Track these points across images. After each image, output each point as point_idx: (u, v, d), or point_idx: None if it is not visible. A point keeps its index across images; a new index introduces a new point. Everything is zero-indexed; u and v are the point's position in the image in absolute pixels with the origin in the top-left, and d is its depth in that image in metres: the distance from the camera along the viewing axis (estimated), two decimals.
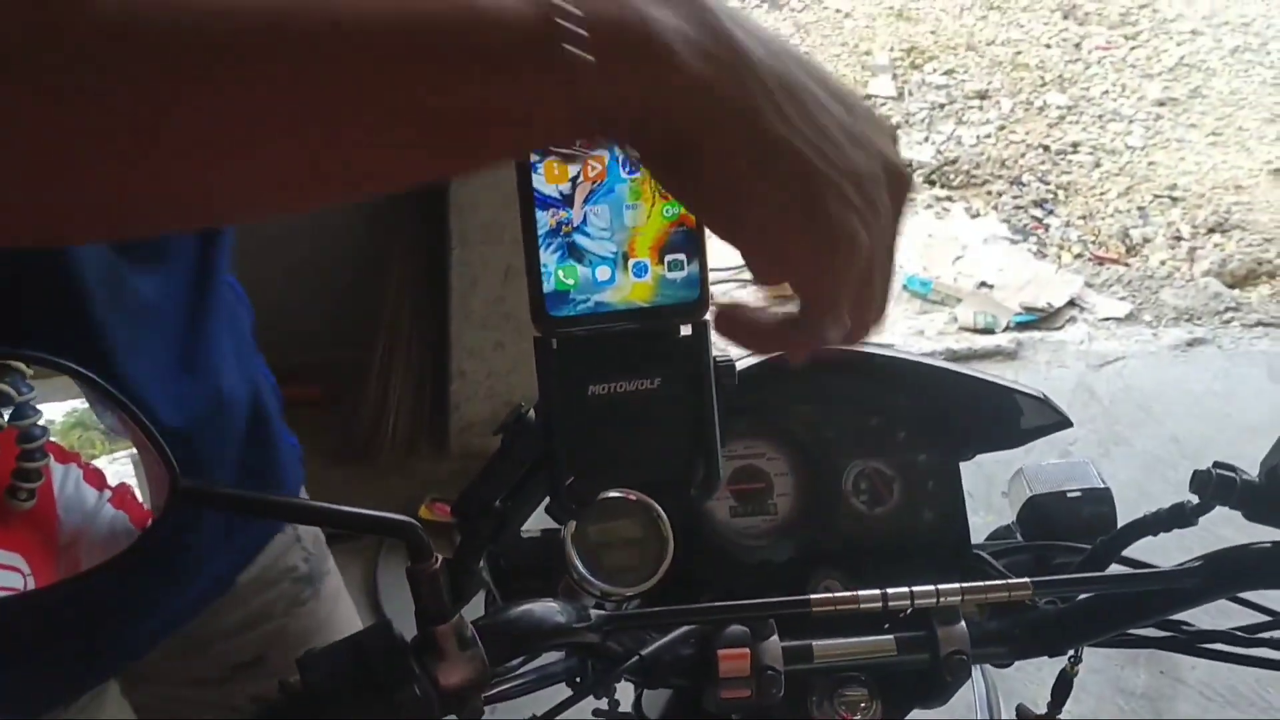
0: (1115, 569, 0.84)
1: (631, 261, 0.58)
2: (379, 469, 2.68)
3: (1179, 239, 4.31)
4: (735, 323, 0.55)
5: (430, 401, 2.71)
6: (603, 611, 0.73)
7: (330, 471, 2.59)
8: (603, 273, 0.58)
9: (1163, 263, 4.17)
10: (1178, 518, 0.80)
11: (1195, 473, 0.78)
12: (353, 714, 0.62)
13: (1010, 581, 0.75)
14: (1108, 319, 3.85)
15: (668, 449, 0.63)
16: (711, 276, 0.59)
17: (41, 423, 0.55)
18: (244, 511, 0.59)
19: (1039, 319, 3.78)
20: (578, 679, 0.81)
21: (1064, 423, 0.91)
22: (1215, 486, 0.77)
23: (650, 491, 0.86)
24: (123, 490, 0.59)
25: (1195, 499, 0.80)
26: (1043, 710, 0.94)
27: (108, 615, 0.84)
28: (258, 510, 0.60)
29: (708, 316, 0.60)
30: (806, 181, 0.47)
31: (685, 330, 0.61)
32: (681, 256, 0.58)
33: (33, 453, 0.55)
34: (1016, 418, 0.94)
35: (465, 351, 2.63)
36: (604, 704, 0.84)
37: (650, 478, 0.64)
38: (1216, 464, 0.78)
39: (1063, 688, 0.91)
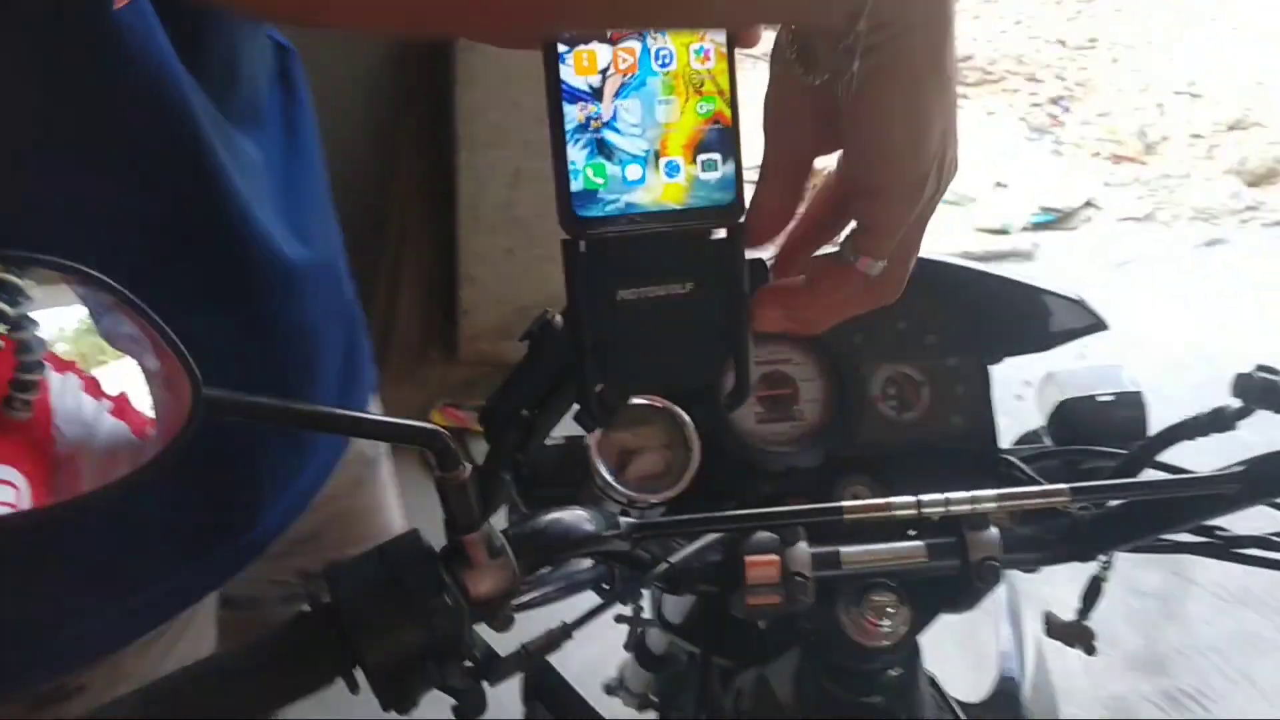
0: (1150, 474, 0.83)
1: (663, 160, 0.55)
2: (389, 376, 2.66)
3: (1197, 136, 4.24)
4: (788, 296, 0.61)
5: (440, 308, 2.69)
6: (632, 519, 0.72)
7: None
8: (633, 172, 0.55)
9: (1181, 161, 4.11)
10: (1217, 422, 0.78)
11: (1237, 376, 0.76)
12: (384, 625, 0.61)
13: (1046, 488, 0.74)
14: (1126, 218, 3.80)
15: (699, 356, 0.62)
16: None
17: (41, 333, 0.53)
18: (267, 420, 0.57)
19: (1056, 219, 3.73)
20: (605, 586, 0.81)
21: (1099, 325, 0.89)
22: (1260, 390, 0.75)
23: (677, 398, 0.85)
24: (122, 400, 0.57)
25: (1236, 403, 0.78)
26: (1071, 616, 0.93)
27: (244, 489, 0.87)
28: (282, 419, 0.58)
29: (742, 220, 0.58)
30: (952, 106, 0.54)
31: (718, 233, 0.59)
32: (716, 156, 0.56)
33: (30, 364, 0.53)
34: (1049, 319, 0.92)
35: (474, 257, 2.60)
36: (628, 609, 0.84)
37: (681, 385, 0.63)
38: (1260, 367, 0.76)
39: (1093, 593, 0.91)
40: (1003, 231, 3.63)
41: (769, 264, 0.66)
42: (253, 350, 0.81)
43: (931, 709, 0.93)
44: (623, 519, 0.72)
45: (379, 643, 0.61)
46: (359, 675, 0.62)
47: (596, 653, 1.65)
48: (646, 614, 1.15)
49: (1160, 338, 3.17)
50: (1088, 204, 3.79)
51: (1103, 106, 4.40)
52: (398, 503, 1.15)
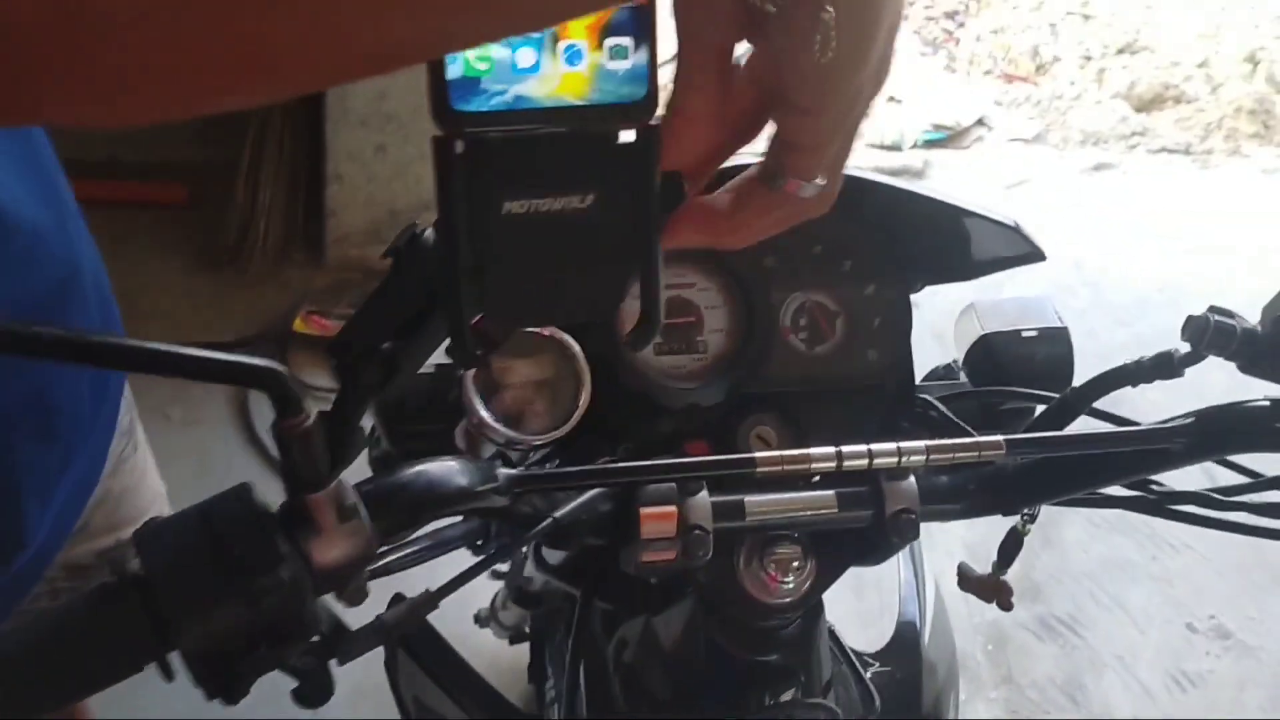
0: (1084, 422, 0.76)
1: (562, 44, 0.44)
2: (249, 278, 2.49)
3: (1088, 59, 4.23)
4: (709, 218, 0.53)
5: (304, 207, 2.52)
6: (510, 471, 0.62)
7: (195, 279, 2.41)
8: (525, 56, 0.44)
9: (1071, 83, 4.09)
10: (1163, 367, 0.71)
11: (1189, 318, 0.69)
12: (205, 601, 0.50)
13: (979, 439, 0.66)
14: (1015, 139, 3.78)
15: (599, 284, 0.52)
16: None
17: None
18: (66, 358, 0.45)
19: (947, 137, 3.69)
20: (479, 542, 0.71)
21: (1035, 255, 0.81)
22: (1212, 334, 0.67)
23: (567, 326, 0.74)
24: None
25: (1184, 347, 0.70)
26: (986, 570, 0.87)
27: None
28: (84, 355, 0.46)
29: (655, 121, 0.48)
30: (894, 36, 0.47)
31: (626, 136, 0.48)
32: (627, 41, 0.45)
33: None
34: (980, 246, 0.84)
35: (343, 154, 2.42)
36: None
37: (576, 318, 0.52)
38: (1213, 308, 0.69)
39: (1011, 547, 0.84)
40: (894, 148, 3.57)
41: None
42: None
43: (830, 664, 0.86)
44: (501, 470, 0.61)
45: (198, 622, 0.50)
46: (175, 660, 0.51)
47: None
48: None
49: (1047, 263, 3.16)
50: (979, 123, 3.75)
51: (997, 23, 4.35)
52: (156, 471, 1.02)
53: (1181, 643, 2.23)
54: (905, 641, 1.03)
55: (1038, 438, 0.67)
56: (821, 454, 0.64)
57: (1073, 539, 2.39)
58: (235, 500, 0.53)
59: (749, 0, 0.46)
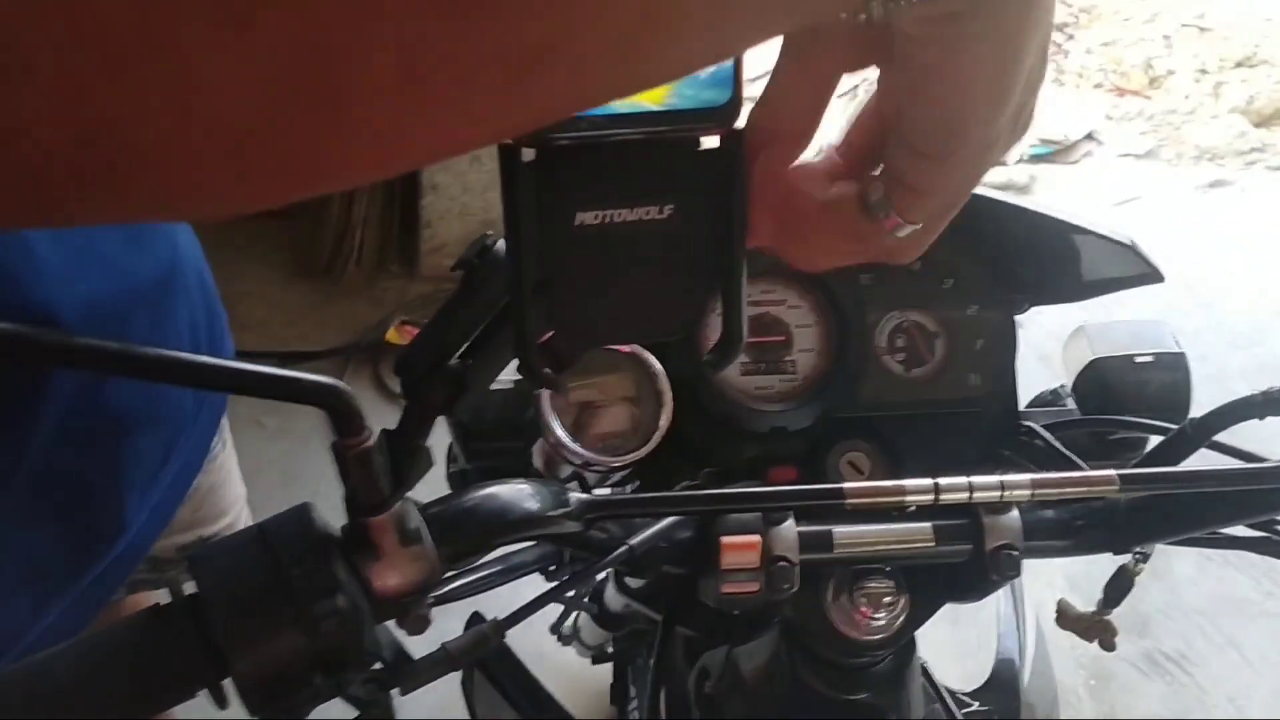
0: (1203, 456, 0.70)
1: None
2: (343, 288, 2.51)
3: (1204, 72, 4.08)
4: (789, 220, 0.49)
5: (399, 217, 2.53)
6: (584, 495, 0.58)
7: (290, 289, 2.44)
8: None
9: (1186, 97, 3.95)
10: None
11: None
12: (261, 627, 0.48)
13: (1090, 474, 0.61)
14: (1126, 154, 3.66)
15: (677, 300, 0.49)
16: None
17: None
18: (122, 372, 0.43)
19: (1054, 151, 3.58)
20: (552, 568, 0.68)
21: (1153, 276, 0.76)
22: None
23: (647, 344, 0.71)
24: None
25: None
26: (1090, 608, 0.81)
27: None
28: (141, 370, 0.44)
29: (740, 125, 0.44)
30: (1044, 48, 0.41)
31: (708, 142, 0.45)
32: None
33: None
34: (1092, 266, 0.78)
35: (438, 164, 2.43)
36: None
37: (652, 337, 0.49)
38: None
39: (1121, 585, 0.79)
40: (999, 163, 3.48)
41: None
42: None
43: (922, 704, 0.81)
44: (574, 495, 0.58)
45: (251, 649, 0.48)
46: (228, 687, 0.49)
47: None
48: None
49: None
50: (1089, 137, 3.64)
51: (1108, 35, 4.22)
52: (239, 472, 1.02)
53: None
54: (1003, 680, 0.98)
55: (1155, 473, 0.62)
56: (917, 486, 0.60)
57: (1183, 572, 2.28)
58: (294, 522, 0.50)
59: (873, 27, 0.42)
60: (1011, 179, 3.39)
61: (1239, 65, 4.13)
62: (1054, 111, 3.73)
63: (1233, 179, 3.57)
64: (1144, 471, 0.61)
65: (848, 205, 0.48)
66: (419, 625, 0.53)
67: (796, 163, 0.48)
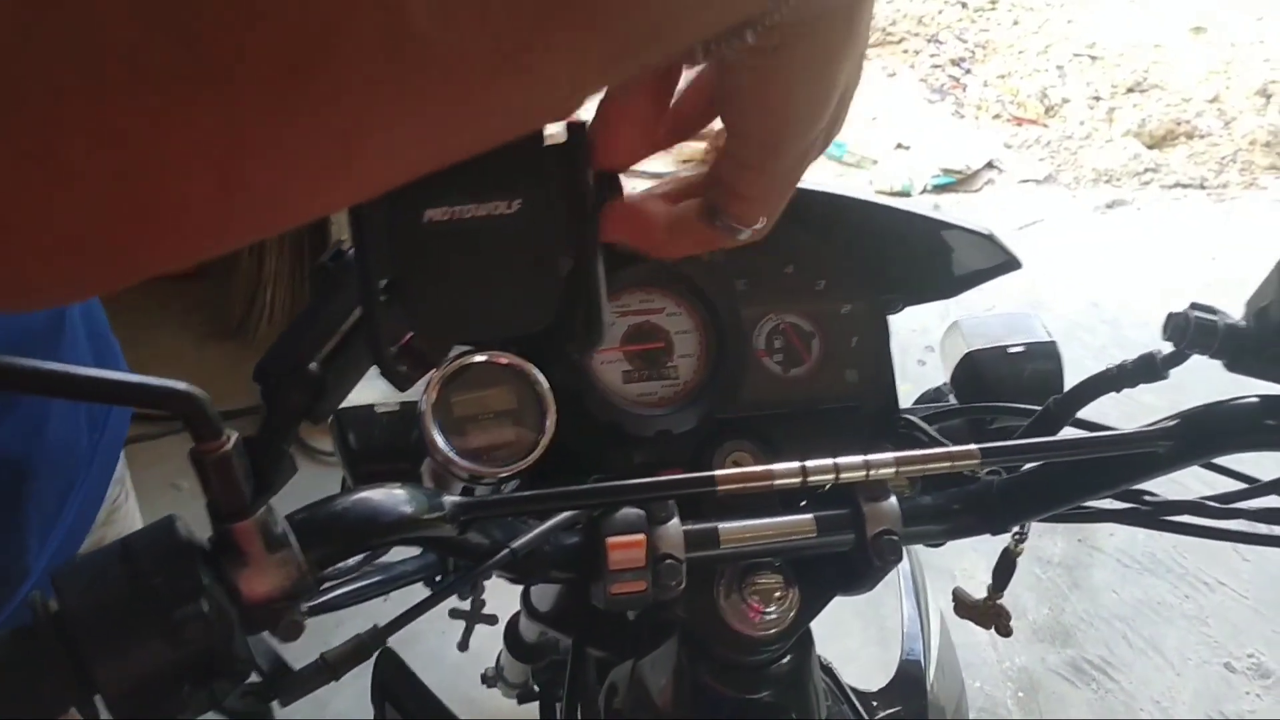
0: (1070, 432, 0.72)
1: None
2: (257, 346, 2.48)
3: (1098, 99, 4.21)
4: (644, 226, 0.50)
5: (311, 273, 2.52)
6: (457, 498, 0.59)
7: (204, 351, 2.41)
8: None
9: (1081, 123, 4.08)
10: (1146, 370, 0.68)
11: (1170, 316, 0.66)
12: (122, 638, 0.47)
13: (952, 449, 0.63)
14: (1026, 180, 3.76)
15: (533, 294, 0.49)
16: None
17: None
18: None
19: (957, 181, 3.67)
20: (437, 577, 0.68)
21: (1011, 263, 0.78)
22: (1195, 331, 0.64)
23: (526, 352, 0.72)
24: None
25: (1167, 347, 0.67)
26: (982, 594, 0.83)
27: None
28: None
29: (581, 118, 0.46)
30: (858, 67, 0.44)
31: (553, 137, 0.46)
32: None
33: None
34: (957, 259, 0.81)
35: (345, 219, 2.42)
36: (465, 604, 0.71)
37: (513, 330, 0.50)
38: (1194, 305, 0.66)
39: (1006, 568, 0.81)
40: (903, 193, 3.55)
41: None
42: None
43: (826, 703, 0.82)
44: (447, 498, 0.59)
45: (116, 661, 0.47)
46: (99, 702, 0.49)
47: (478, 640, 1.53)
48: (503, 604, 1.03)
49: (1063, 300, 3.13)
50: (989, 165, 3.74)
51: (1004, 68, 4.34)
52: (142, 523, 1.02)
53: (1220, 683, 2.16)
54: (909, 680, 0.99)
55: (1014, 445, 0.64)
56: (785, 470, 0.62)
57: (1102, 581, 2.32)
58: (157, 533, 0.50)
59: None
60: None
61: (1130, 91, 4.28)
62: (955, 142, 3.82)
63: (1129, 199, 3.69)
64: (1003, 444, 0.63)
65: (689, 220, 0.50)
66: (292, 632, 0.53)
67: (641, 192, 0.51)
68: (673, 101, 0.51)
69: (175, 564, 0.49)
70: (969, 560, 2.18)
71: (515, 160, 0.46)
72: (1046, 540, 2.35)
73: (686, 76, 0.50)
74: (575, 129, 0.47)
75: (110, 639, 0.47)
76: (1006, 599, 0.86)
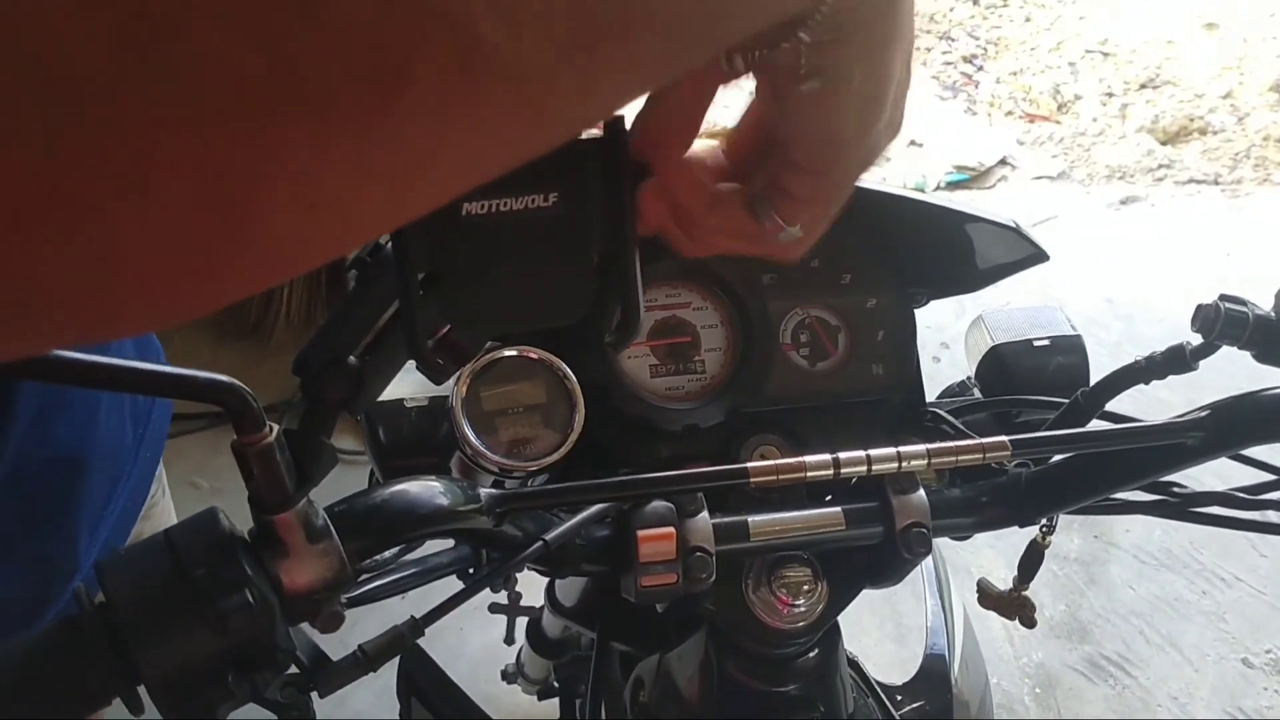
0: (1098, 425, 0.72)
1: None
2: (274, 345, 2.49)
3: (1110, 95, 4.21)
4: (679, 213, 0.50)
5: (326, 272, 2.52)
6: (493, 490, 0.59)
7: (220, 351, 2.42)
8: None
9: (1094, 119, 4.07)
10: (1175, 362, 0.68)
11: (1199, 308, 0.66)
12: (167, 628, 0.48)
13: (982, 441, 0.63)
14: (1040, 177, 3.75)
15: (570, 286, 0.50)
16: None
17: None
18: (17, 375, 0.44)
19: (970, 178, 3.67)
20: (470, 570, 0.68)
21: (1038, 256, 0.78)
22: (1225, 323, 0.64)
23: (554, 347, 0.72)
24: None
25: (1195, 339, 0.67)
26: (1008, 585, 0.83)
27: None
28: (40, 372, 0.45)
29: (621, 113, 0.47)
30: (907, 68, 0.45)
31: (591, 130, 0.46)
32: None
33: None
34: (980, 253, 0.81)
35: None
36: (503, 596, 0.71)
37: (549, 322, 0.50)
38: (1224, 297, 0.66)
39: (1032, 560, 0.81)
40: (918, 190, 3.55)
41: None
42: None
43: (852, 696, 0.82)
44: (485, 490, 0.59)
45: (160, 651, 0.48)
46: (142, 692, 0.49)
47: (498, 635, 1.53)
48: (529, 598, 1.04)
49: (1077, 297, 3.12)
50: (1002, 162, 3.73)
51: (1016, 65, 4.34)
52: (175, 518, 1.03)
53: (1238, 679, 2.15)
54: (933, 674, 0.99)
55: (1044, 436, 0.64)
56: (817, 461, 0.62)
57: (1119, 577, 2.32)
58: (199, 525, 0.51)
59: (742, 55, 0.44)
60: None
61: (1143, 87, 4.27)
62: (967, 139, 3.82)
63: (1143, 195, 3.68)
64: (1034, 436, 0.64)
65: (733, 202, 0.50)
66: (332, 623, 0.54)
67: (687, 155, 0.51)
68: (726, 138, 0.51)
69: (219, 555, 0.49)
70: (985, 557, 2.18)
71: (553, 154, 0.46)
72: (1063, 536, 2.35)
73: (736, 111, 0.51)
74: (613, 123, 0.47)
75: (155, 629, 0.48)
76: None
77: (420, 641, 0.60)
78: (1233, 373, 0.76)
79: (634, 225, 0.49)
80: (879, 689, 0.92)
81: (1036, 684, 2.10)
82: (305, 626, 0.55)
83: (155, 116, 0.22)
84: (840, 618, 0.76)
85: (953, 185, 3.61)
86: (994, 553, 2.19)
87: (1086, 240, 3.42)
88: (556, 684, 1.50)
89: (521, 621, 0.84)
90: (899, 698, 0.97)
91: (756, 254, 0.52)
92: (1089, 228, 3.50)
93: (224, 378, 0.48)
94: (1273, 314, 0.65)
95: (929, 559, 1.12)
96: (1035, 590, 0.86)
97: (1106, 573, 2.33)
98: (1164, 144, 3.92)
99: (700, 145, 0.52)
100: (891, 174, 3.61)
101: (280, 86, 0.22)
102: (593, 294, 0.50)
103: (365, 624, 0.59)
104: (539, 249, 0.48)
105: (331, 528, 0.52)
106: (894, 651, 1.95)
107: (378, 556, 0.58)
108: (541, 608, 1.23)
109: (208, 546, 0.50)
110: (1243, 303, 0.65)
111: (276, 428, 0.50)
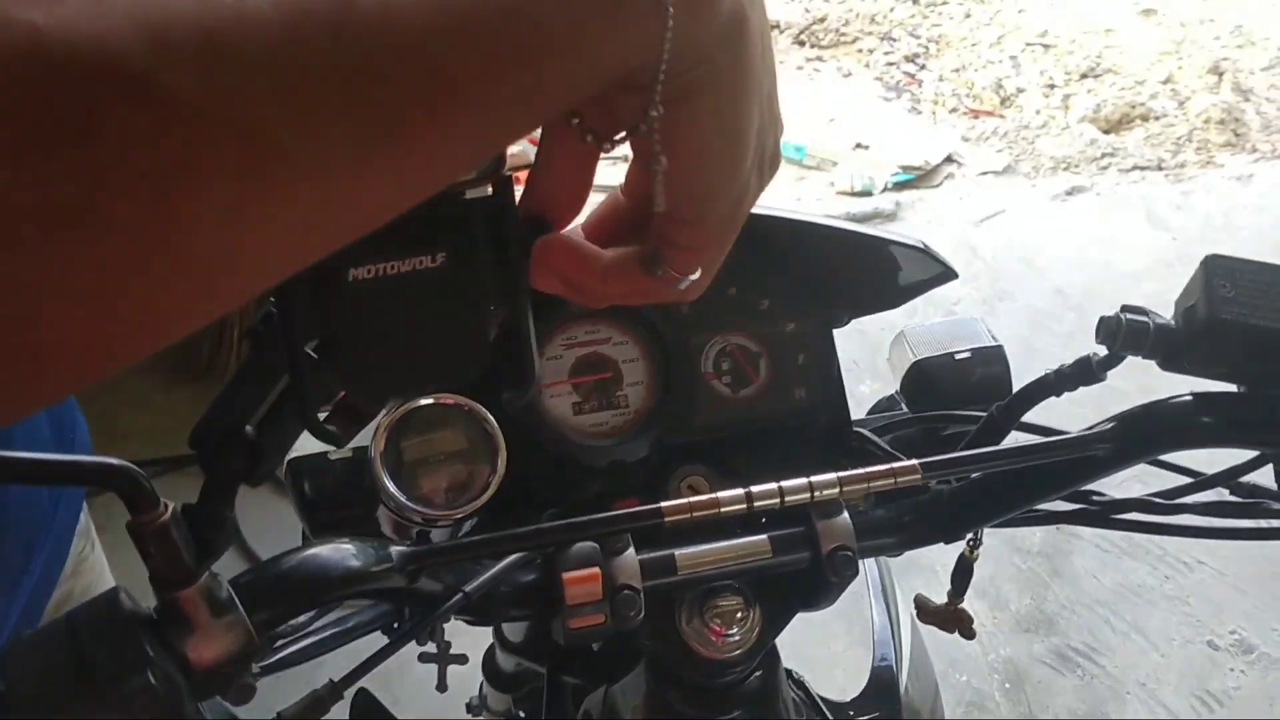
0: (1015, 438, 0.73)
1: None
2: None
3: (1052, 87, 4.25)
4: (579, 271, 0.50)
5: (242, 336, 2.52)
6: (405, 548, 0.59)
7: (172, 395, 2.40)
8: None
9: (1037, 112, 4.11)
10: (1083, 374, 0.69)
11: (1101, 320, 0.67)
12: (67, 717, 0.47)
13: (894, 466, 0.63)
14: (986, 172, 3.78)
15: (465, 346, 0.50)
16: None
17: None
18: None
19: (917, 177, 3.69)
20: (395, 625, 0.68)
21: (947, 274, 0.79)
22: (1126, 334, 0.65)
23: (473, 390, 0.72)
24: None
25: (1102, 350, 0.68)
26: (943, 599, 0.84)
27: None
28: None
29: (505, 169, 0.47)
30: (770, 97, 0.46)
31: (476, 190, 0.47)
32: None
33: None
34: (895, 273, 0.82)
35: None
36: (431, 646, 0.71)
37: (445, 381, 0.51)
38: (1125, 308, 0.67)
39: (963, 574, 0.81)
40: (865, 193, 3.57)
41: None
42: None
43: (797, 717, 0.83)
44: (395, 549, 0.59)
45: None
46: None
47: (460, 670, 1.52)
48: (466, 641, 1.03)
49: (1028, 290, 3.15)
50: (948, 159, 3.76)
51: (958, 61, 4.38)
52: (109, 572, 1.02)
53: (1205, 662, 2.18)
54: (882, 685, 1.00)
55: (954, 457, 0.65)
56: (730, 496, 0.62)
57: (1082, 567, 2.34)
58: (102, 606, 0.50)
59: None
60: (879, 208, 3.49)
61: (1084, 77, 4.31)
62: (913, 138, 3.84)
63: (1088, 184, 3.71)
64: (944, 457, 0.64)
65: (628, 265, 0.51)
66: (244, 695, 0.53)
67: (573, 227, 0.52)
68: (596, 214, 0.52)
69: (119, 636, 0.49)
70: (950, 555, 2.19)
71: (437, 215, 0.46)
72: (1025, 531, 2.36)
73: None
74: (499, 182, 0.47)
75: (57, 716, 0.48)
76: (990, 592, 0.87)
77: (385, 678, 0.60)
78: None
79: (525, 281, 0.50)
80: (824, 708, 0.93)
81: (1005, 679, 2.11)
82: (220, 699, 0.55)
83: None
84: (795, 631, 0.76)
85: (900, 185, 3.63)
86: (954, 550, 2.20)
87: (1034, 233, 3.45)
88: (521, 714, 1.50)
89: (457, 668, 0.84)
90: (850, 712, 0.97)
91: (659, 301, 0.52)
92: (1036, 220, 3.53)
93: (113, 460, 0.48)
94: (1172, 322, 0.66)
95: (873, 570, 1.12)
96: (1000, 586, 0.87)
97: (1070, 564, 2.35)
98: (1107, 132, 3.96)
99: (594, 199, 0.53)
100: (839, 177, 3.62)
101: (52, 210, 0.22)
102: (488, 352, 0.50)
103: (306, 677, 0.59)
104: (430, 310, 0.48)
105: (236, 600, 0.52)
106: (864, 657, 1.95)
107: (293, 621, 0.57)
108: (491, 647, 1.23)
109: (108, 628, 0.49)
110: (1144, 313, 0.66)
111: (172, 506, 0.49)
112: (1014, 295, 3.11)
